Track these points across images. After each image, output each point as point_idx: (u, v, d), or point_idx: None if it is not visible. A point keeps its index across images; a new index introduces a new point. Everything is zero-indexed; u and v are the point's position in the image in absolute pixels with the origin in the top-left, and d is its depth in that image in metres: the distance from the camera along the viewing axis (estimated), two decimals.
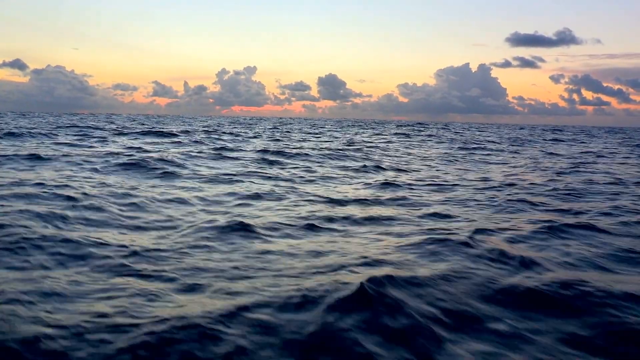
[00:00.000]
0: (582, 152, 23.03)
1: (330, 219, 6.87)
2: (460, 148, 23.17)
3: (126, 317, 3.44)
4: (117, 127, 32.29)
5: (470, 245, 5.52)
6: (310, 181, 10.66)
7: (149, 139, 21.90)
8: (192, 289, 4.10)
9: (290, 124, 72.51)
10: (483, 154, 20.34)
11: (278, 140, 23.21)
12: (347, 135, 32.49)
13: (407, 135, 35.42)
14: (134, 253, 4.94)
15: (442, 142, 28.24)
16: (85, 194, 7.36)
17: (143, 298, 3.84)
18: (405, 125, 70.62)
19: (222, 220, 6.36)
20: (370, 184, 10.39)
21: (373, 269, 4.60)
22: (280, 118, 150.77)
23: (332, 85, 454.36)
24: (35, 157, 11.50)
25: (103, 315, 3.46)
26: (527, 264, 4.93)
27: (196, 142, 20.37)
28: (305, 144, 20.69)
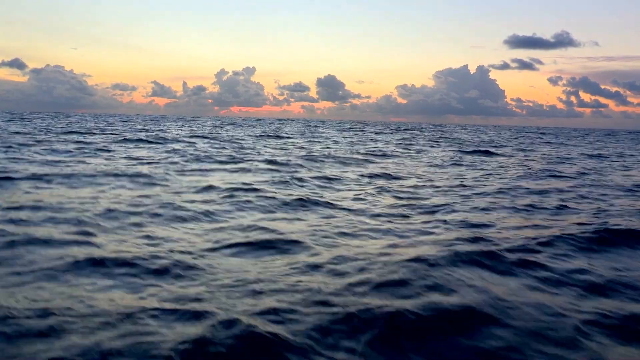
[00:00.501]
0: (591, 155, 22.84)
1: (366, 231, 6.53)
2: (472, 152, 22.80)
3: (155, 338, 3.32)
4: (117, 132, 31.78)
5: (523, 261, 5.17)
6: (331, 191, 10.25)
7: (152, 147, 21.43)
8: (225, 311, 3.74)
9: (289, 124, 72.59)
10: (496, 158, 20.01)
11: (283, 148, 22.74)
12: (351, 140, 32.07)
13: (411, 140, 35.04)
14: (163, 272, 4.65)
15: (451, 146, 27.92)
16: (97, 214, 6.91)
17: (172, 318, 3.64)
18: (404, 129, 70.29)
19: (255, 235, 6.05)
20: (395, 194, 9.97)
21: (425, 295, 4.20)
22: (280, 119, 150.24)
23: (330, 86, 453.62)
24: (33, 177, 10.21)
25: (133, 337, 3.32)
26: (596, 285, 4.56)
27: (202, 150, 19.76)
28: (312, 153, 20.22)
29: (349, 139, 32.58)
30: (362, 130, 53.91)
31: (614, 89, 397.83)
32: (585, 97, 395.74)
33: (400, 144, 29.05)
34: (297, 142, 27.24)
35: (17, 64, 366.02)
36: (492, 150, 24.44)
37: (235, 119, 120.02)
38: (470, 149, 25.10)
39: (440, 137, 41.28)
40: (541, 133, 68.80)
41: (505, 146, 29.52)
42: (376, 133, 46.73)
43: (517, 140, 40.13)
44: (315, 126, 67.25)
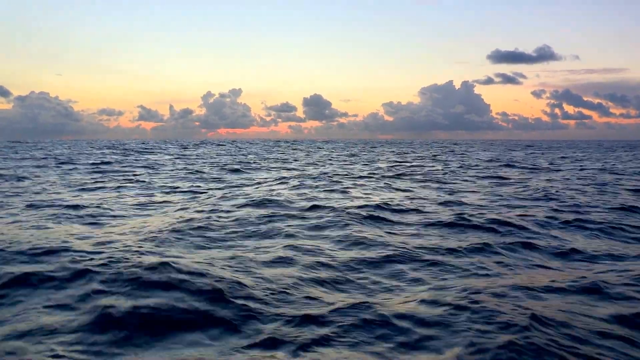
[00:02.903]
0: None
1: None
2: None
3: None
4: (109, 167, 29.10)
5: None
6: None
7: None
8: None
9: (279, 146, 70.36)
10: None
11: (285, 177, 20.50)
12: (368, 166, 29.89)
13: (444, 161, 32.93)
14: None
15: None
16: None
17: None
18: (396, 147, 68.24)
19: None
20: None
21: None
22: (265, 141, 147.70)
23: (317, 106, 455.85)
24: None
25: None
26: None
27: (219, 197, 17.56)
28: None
29: (363, 165, 30.29)
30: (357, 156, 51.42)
31: (596, 101, 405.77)
32: (569, 109, 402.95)
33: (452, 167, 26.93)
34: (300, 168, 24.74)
35: (1, 91, 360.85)
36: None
37: (224, 142, 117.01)
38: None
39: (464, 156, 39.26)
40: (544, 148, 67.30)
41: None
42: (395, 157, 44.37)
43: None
44: (309, 151, 64.99)
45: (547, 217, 9.96)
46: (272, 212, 10.19)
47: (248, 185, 16.36)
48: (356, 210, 10.26)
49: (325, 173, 21.18)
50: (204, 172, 21.85)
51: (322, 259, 6.57)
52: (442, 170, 24.43)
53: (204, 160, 32.34)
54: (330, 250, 7.20)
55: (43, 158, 31.84)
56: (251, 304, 4.77)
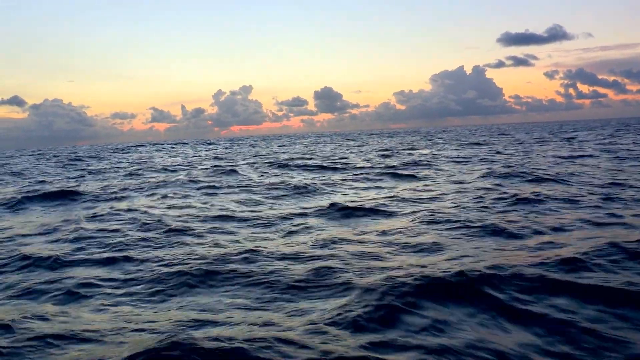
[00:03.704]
0: None
1: None
2: None
3: None
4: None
5: None
6: None
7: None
8: None
9: (291, 142, 67.27)
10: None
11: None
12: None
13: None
14: None
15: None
16: None
17: None
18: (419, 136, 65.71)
19: None
20: None
21: None
22: (280, 137, 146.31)
23: (328, 99, 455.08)
24: None
25: None
26: None
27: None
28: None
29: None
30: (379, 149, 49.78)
31: (612, 78, 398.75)
32: (584, 88, 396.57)
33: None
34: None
35: (16, 101, 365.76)
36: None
37: (237, 139, 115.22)
38: None
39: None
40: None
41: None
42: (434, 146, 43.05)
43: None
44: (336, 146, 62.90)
45: None
46: None
47: None
48: None
49: None
50: None
51: None
52: None
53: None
54: None
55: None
56: None
